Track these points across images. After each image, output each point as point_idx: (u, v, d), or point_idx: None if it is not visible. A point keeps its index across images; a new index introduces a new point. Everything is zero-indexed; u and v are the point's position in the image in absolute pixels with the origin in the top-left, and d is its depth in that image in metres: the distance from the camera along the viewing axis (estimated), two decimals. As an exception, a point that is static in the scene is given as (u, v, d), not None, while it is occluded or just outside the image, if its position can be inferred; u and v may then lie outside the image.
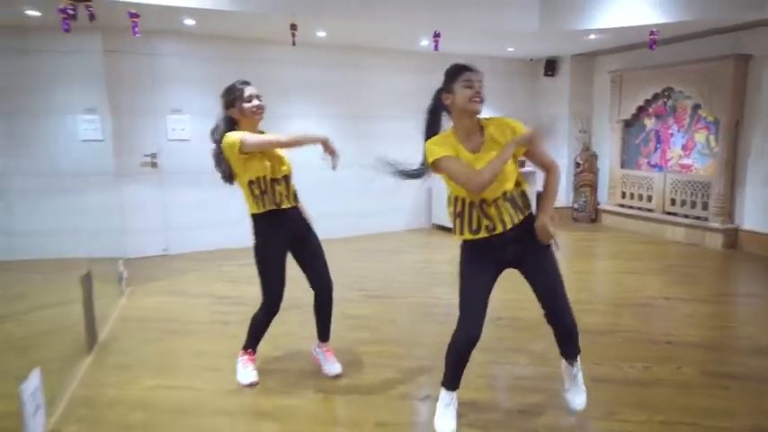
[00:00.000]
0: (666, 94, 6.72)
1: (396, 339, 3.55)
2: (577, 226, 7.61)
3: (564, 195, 7.97)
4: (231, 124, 2.76)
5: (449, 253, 6.23)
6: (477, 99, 2.20)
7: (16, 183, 5.28)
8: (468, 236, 2.30)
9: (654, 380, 2.94)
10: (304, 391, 2.82)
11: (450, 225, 2.38)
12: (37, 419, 2.30)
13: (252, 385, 2.86)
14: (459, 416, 2.46)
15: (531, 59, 7.97)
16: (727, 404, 2.70)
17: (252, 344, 2.95)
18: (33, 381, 2.29)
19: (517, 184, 2.31)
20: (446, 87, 2.28)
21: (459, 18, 5.53)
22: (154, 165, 5.87)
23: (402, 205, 7.39)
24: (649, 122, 7.08)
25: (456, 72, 2.25)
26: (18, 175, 5.28)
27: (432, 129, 2.36)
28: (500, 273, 2.38)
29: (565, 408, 2.56)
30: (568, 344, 2.47)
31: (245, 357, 2.95)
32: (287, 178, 2.78)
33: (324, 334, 3.03)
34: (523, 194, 2.33)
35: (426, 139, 2.32)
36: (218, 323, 3.86)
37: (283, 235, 2.78)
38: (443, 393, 2.45)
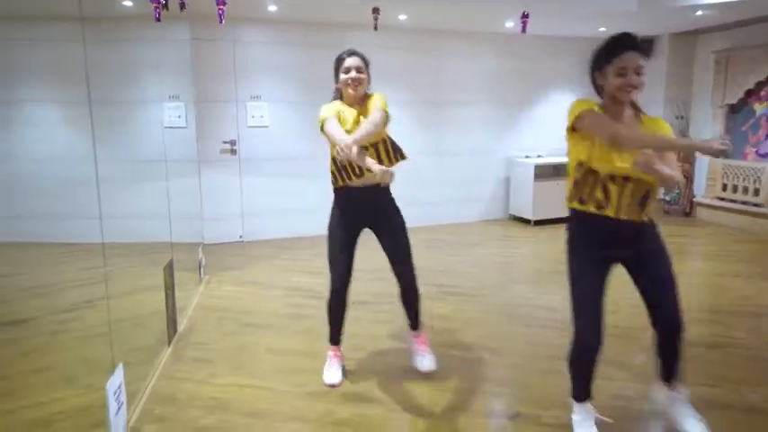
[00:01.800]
0: (784, 75, 6.01)
1: (479, 344, 3.33)
2: (669, 220, 7.02)
3: (655, 186, 7.37)
4: (339, 94, 2.71)
5: (528, 247, 5.93)
6: (628, 89, 1.97)
7: (102, 168, 5.45)
8: (575, 204, 2.12)
9: (781, 409, 2.57)
10: (384, 400, 2.67)
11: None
12: (119, 418, 2.28)
13: (332, 386, 2.77)
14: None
15: (624, 39, 7.36)
16: None
17: (333, 335, 2.87)
18: (117, 378, 2.27)
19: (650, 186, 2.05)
20: (598, 66, 2.05)
21: (549, -3, 5.14)
22: (233, 151, 5.90)
23: (478, 194, 7.10)
24: (760, 107, 6.37)
25: (610, 52, 1.99)
26: (105, 161, 5.45)
27: None
28: (609, 269, 2.17)
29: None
30: (671, 356, 2.23)
31: (330, 353, 2.88)
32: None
33: (411, 321, 2.93)
34: (648, 197, 2.07)
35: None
36: (293, 317, 3.80)
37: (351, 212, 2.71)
38: (574, 406, 2.28)
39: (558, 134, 8.10)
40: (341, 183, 2.65)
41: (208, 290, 4.38)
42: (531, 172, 6.68)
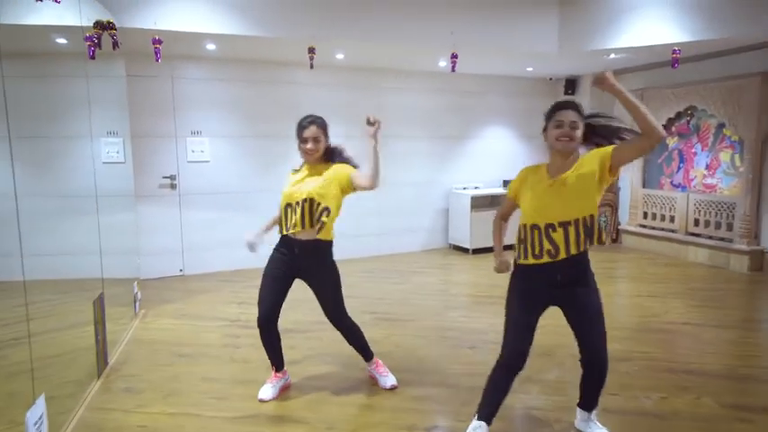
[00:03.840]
0: (690, 112, 6.59)
1: (406, 366, 3.48)
2: (598, 247, 7.42)
3: (585, 215, 7.81)
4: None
5: (466, 274, 6.17)
6: (564, 139, 2.28)
7: (38, 204, 5.39)
8: (530, 260, 2.33)
9: (671, 412, 2.82)
10: (311, 420, 2.78)
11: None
12: (39, 447, 2.30)
13: (261, 401, 2.97)
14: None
15: (551, 78, 7.91)
16: (749, 440, 2.57)
17: (271, 361, 3.07)
18: (38, 408, 2.31)
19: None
20: (545, 124, 2.40)
21: (477, 39, 5.52)
22: (173, 186, 5.95)
23: (419, 225, 7.35)
24: (672, 141, 6.94)
25: (550, 111, 2.38)
26: (40, 196, 5.40)
27: None
28: (544, 310, 2.43)
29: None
30: (593, 390, 2.50)
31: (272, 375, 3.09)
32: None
33: (364, 354, 3.19)
34: (592, 224, 2.29)
35: None
36: (229, 347, 3.86)
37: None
38: (473, 422, 2.43)
39: (492, 166, 8.37)
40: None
41: (143, 324, 4.38)
42: (468, 203, 7.00)
